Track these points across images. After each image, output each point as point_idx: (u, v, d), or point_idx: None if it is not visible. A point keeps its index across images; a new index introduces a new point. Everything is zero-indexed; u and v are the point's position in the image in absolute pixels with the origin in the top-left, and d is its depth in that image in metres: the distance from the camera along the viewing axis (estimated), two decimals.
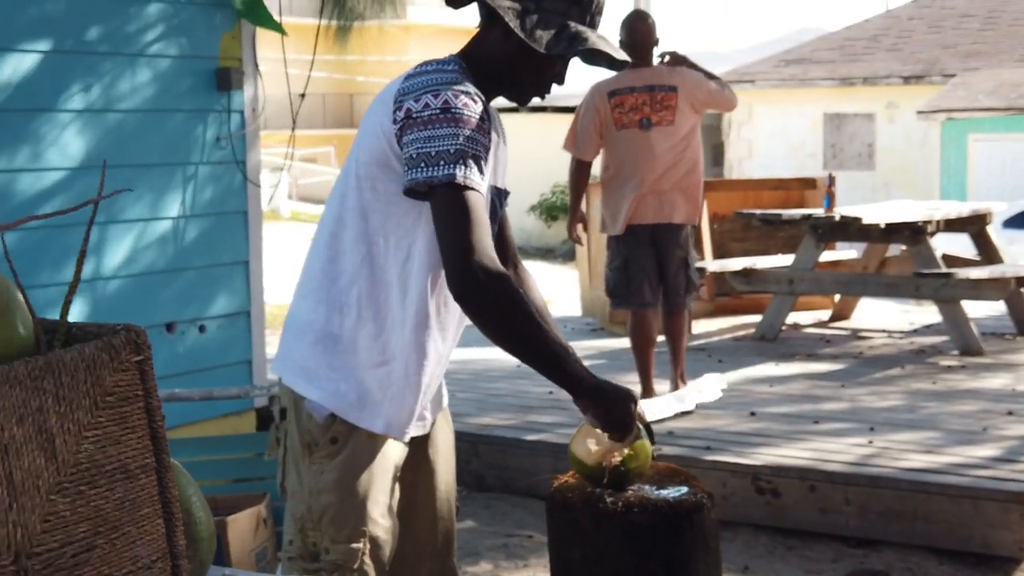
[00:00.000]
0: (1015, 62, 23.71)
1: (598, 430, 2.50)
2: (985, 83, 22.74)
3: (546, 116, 22.44)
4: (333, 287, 2.43)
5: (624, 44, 6.03)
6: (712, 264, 8.81)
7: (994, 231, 9.31)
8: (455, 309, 2.50)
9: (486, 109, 2.36)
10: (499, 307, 2.24)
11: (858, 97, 24.29)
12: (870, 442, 5.63)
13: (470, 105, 2.30)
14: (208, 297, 5.92)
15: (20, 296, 1.26)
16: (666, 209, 6.09)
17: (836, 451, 5.49)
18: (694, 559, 2.52)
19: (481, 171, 2.28)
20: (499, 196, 2.53)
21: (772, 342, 8.58)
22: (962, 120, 22.28)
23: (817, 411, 6.35)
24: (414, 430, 2.54)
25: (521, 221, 22.44)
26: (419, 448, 2.61)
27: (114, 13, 5.52)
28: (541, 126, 21.83)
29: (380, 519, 2.47)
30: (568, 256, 21.43)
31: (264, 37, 6.10)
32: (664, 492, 2.56)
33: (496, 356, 8.02)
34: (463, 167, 2.24)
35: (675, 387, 6.44)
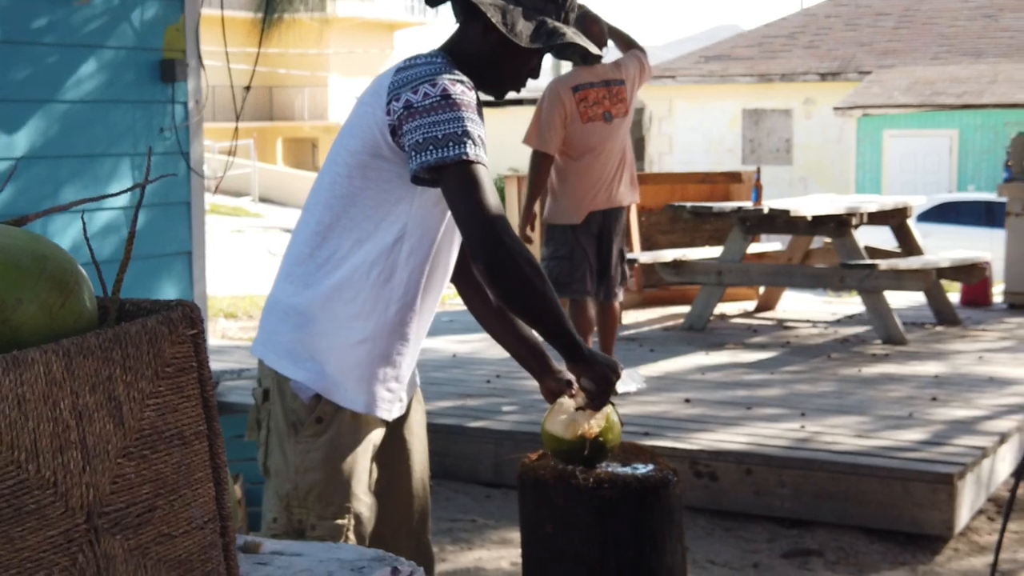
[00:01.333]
0: (929, 60, 24.22)
1: (569, 407, 2.62)
2: (900, 80, 23.20)
3: None
4: (319, 271, 2.52)
5: None
6: (643, 256, 8.96)
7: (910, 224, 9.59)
8: (434, 293, 2.61)
9: (478, 96, 2.47)
10: (523, 272, 2.35)
11: (776, 93, 24.68)
12: (802, 427, 5.80)
13: (467, 92, 2.42)
14: (151, 287, 5.95)
15: (84, 272, 1.34)
16: (614, 194, 6.38)
17: (770, 436, 5.65)
18: (661, 531, 2.65)
19: (484, 150, 2.39)
20: None
21: (701, 332, 8.76)
22: (877, 116, 22.73)
23: (750, 398, 6.53)
24: (395, 409, 2.64)
25: None
26: (395, 429, 2.72)
27: (59, 4, 5.53)
28: None
29: (363, 496, 2.57)
30: None
31: (201, 30, 6.15)
32: (632, 469, 2.69)
33: (432, 346, 8.10)
34: (472, 146, 2.35)
35: None
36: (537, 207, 6.45)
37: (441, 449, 6.09)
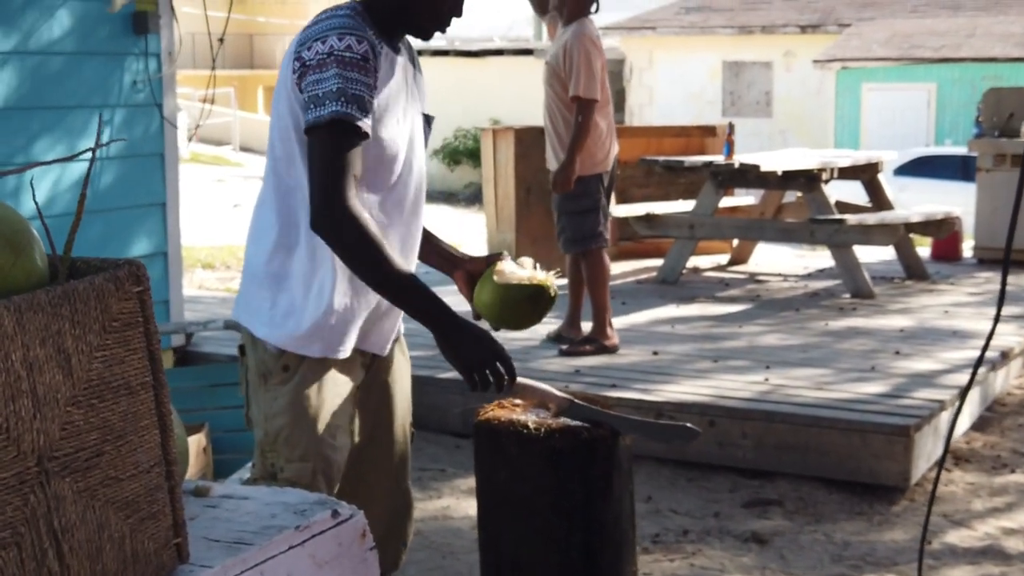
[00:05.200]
0: (908, 13, 24.23)
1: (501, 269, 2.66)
2: (879, 33, 23.22)
3: (448, 60, 22.46)
4: (272, 230, 2.62)
5: None
6: (618, 209, 9.03)
7: (885, 179, 9.67)
8: (393, 236, 2.66)
9: (372, 48, 2.50)
10: (351, 244, 2.44)
11: (756, 45, 24.67)
12: (766, 379, 5.91)
13: (352, 47, 2.46)
14: (126, 239, 6.02)
15: (36, 233, 1.42)
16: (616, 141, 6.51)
17: (734, 388, 5.76)
18: (609, 480, 2.76)
19: (363, 109, 2.45)
20: (426, 122, 2.73)
21: (673, 285, 8.85)
22: (856, 69, 22.76)
23: (717, 350, 6.63)
24: (358, 346, 2.71)
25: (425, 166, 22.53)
26: (378, 376, 2.80)
27: None
28: (444, 70, 21.87)
29: (330, 439, 2.65)
30: (471, 200, 21.57)
31: None
32: None
33: None
34: (343, 105, 2.42)
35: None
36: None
37: (412, 399, 6.18)
